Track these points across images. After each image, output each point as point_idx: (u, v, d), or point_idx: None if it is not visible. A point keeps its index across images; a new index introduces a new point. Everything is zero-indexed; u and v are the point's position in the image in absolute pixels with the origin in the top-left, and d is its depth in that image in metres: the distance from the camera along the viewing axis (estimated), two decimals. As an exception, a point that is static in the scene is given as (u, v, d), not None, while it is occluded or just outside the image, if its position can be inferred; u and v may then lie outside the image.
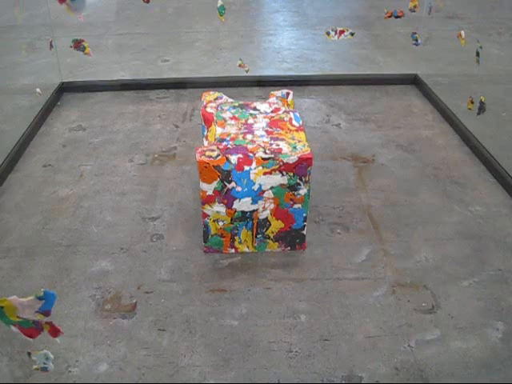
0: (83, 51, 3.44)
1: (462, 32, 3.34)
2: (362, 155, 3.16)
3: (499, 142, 3.29)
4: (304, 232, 2.34)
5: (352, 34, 3.44)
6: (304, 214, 2.29)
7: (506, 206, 2.75)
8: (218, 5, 3.37)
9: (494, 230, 2.55)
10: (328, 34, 3.42)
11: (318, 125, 3.51)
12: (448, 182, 2.92)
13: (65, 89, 4.02)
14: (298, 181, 2.18)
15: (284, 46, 4.92)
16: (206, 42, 4.99)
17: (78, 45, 3.43)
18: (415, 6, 3.62)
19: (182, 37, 5.21)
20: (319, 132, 3.41)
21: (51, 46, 3.60)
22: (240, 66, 3.54)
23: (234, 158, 2.14)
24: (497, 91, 4.05)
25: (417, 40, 3.87)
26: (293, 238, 2.35)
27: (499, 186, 2.90)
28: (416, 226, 2.57)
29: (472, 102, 3.17)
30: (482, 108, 3.07)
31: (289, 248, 2.37)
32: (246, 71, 3.58)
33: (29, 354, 1.31)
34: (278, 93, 2.70)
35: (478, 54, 3.21)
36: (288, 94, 2.69)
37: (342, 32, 3.40)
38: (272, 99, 2.64)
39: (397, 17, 3.57)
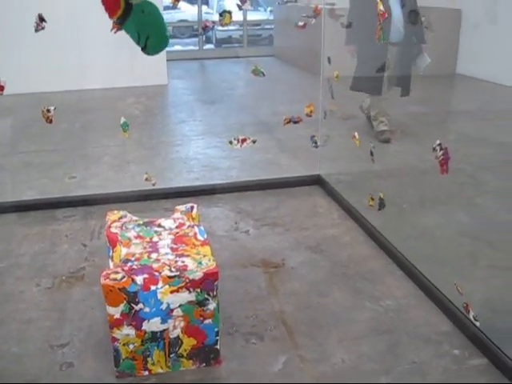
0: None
1: (356, 133, 3.56)
2: (272, 260, 3.19)
3: (402, 234, 3.44)
4: (217, 347, 2.31)
5: (254, 142, 3.58)
6: (216, 329, 2.27)
7: (414, 296, 2.83)
8: (121, 122, 3.44)
9: (405, 323, 2.61)
10: (230, 143, 3.55)
11: (226, 233, 3.54)
12: (357, 279, 2.99)
13: (-34, 213, 3.90)
14: (206, 296, 2.18)
15: (191, 156, 5.03)
16: (114, 157, 5.02)
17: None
18: (311, 111, 3.84)
19: (90, 152, 5.23)
20: (228, 240, 3.44)
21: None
22: (147, 179, 3.58)
23: (139, 279, 2.12)
24: (396, 184, 4.28)
25: (316, 142, 4.08)
26: (207, 354, 2.30)
27: (406, 278, 3.00)
28: (330, 327, 2.59)
29: (372, 199, 3.33)
30: (381, 204, 3.23)
31: (204, 364, 2.32)
32: (153, 184, 3.62)
33: None
34: (183, 207, 2.73)
35: (372, 154, 3.41)
36: (192, 207, 2.73)
37: (244, 140, 3.54)
38: (176, 214, 2.67)
39: (295, 122, 3.76)
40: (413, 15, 4.61)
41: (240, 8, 3.35)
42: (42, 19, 3.38)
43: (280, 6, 11.81)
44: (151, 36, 1.85)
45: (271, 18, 12.73)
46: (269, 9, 13.90)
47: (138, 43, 1.87)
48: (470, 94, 7.58)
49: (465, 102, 7.22)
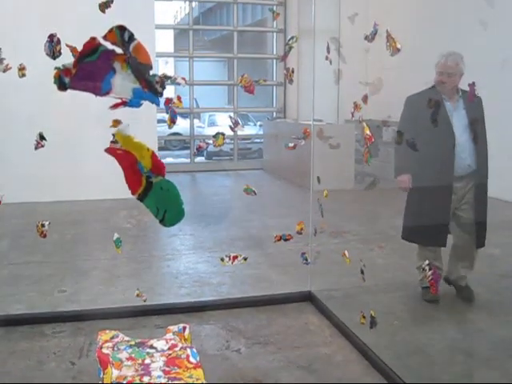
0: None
1: (346, 252, 3.62)
2: (264, 381, 3.13)
3: (395, 352, 3.41)
4: None
5: (245, 259, 3.62)
6: None
7: (409, 420, 2.78)
8: (115, 237, 3.49)
9: None
10: (222, 260, 3.59)
11: (217, 352, 3.49)
12: (351, 401, 2.94)
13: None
14: (199, 422, 2.14)
15: (181, 271, 5.04)
16: (104, 270, 5.02)
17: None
18: (301, 229, 3.92)
19: (80, 265, 5.22)
20: (219, 359, 3.39)
21: None
22: (137, 295, 3.58)
23: (130, 405, 2.08)
24: (387, 299, 4.29)
25: (306, 260, 4.12)
26: None
27: (400, 399, 2.95)
28: None
29: (364, 317, 3.33)
30: (373, 322, 3.23)
31: None
32: (144, 301, 3.61)
33: None
34: (175, 327, 2.73)
35: (362, 272, 3.46)
36: (185, 328, 2.72)
37: (235, 258, 3.58)
38: (169, 335, 2.66)
39: (286, 240, 3.83)
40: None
41: (232, 130, 3.51)
42: (42, 137, 3.51)
43: (269, 122, 12.28)
44: (168, 210, 2.01)
45: (261, 132, 13.17)
46: (258, 123, 14.42)
47: (156, 216, 2.02)
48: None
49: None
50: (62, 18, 7.07)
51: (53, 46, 3.38)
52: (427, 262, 2.72)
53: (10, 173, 7.45)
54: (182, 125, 12.85)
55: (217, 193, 9.30)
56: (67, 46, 3.42)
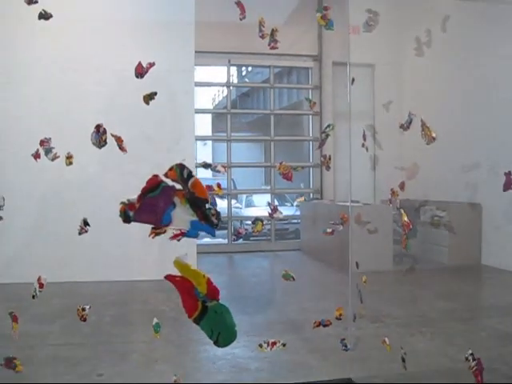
0: (14, 369, 3.40)
1: (386, 339, 3.57)
2: None
3: None
4: None
5: (284, 345, 3.59)
6: None
7: None
8: (154, 322, 3.52)
9: None
10: (261, 346, 3.57)
11: None
12: None
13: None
14: None
15: (219, 356, 4.97)
16: (142, 353, 5.00)
17: (8, 363, 3.40)
18: (340, 315, 3.90)
19: (118, 347, 5.22)
20: None
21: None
22: (175, 381, 3.55)
23: None
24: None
25: (346, 346, 4.06)
26: None
27: None
28: None
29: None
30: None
31: None
32: (180, 382, 3.59)
33: None
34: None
35: (403, 360, 3.41)
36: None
37: (274, 344, 3.56)
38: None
39: (325, 325, 3.81)
40: None
41: (271, 216, 3.57)
42: (86, 223, 3.64)
43: (306, 203, 12.34)
44: (222, 332, 2.15)
45: (297, 213, 13.20)
46: (295, 204, 14.47)
47: (210, 337, 2.16)
48: (499, 287, 7.57)
49: (494, 296, 7.19)
50: (109, 107, 7.42)
51: (99, 136, 3.56)
52: (470, 351, 2.66)
53: (53, 252, 7.65)
54: (220, 205, 13.00)
55: (254, 274, 9.28)
56: (112, 135, 3.61)
